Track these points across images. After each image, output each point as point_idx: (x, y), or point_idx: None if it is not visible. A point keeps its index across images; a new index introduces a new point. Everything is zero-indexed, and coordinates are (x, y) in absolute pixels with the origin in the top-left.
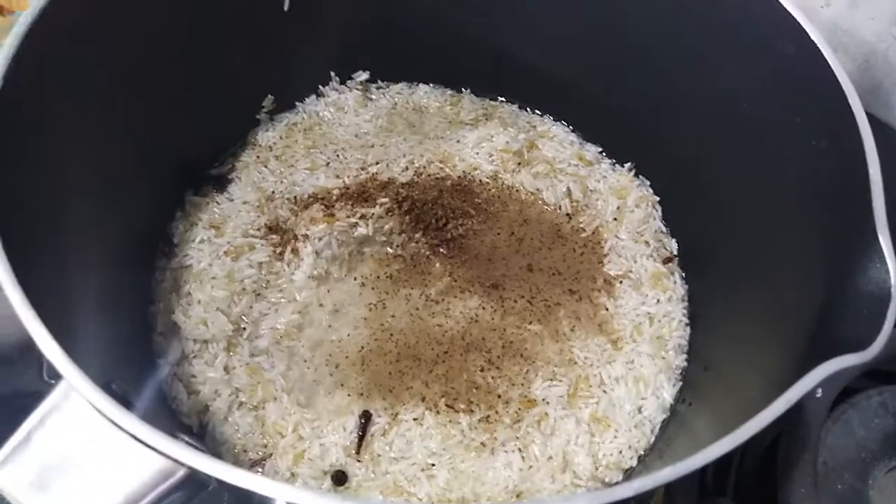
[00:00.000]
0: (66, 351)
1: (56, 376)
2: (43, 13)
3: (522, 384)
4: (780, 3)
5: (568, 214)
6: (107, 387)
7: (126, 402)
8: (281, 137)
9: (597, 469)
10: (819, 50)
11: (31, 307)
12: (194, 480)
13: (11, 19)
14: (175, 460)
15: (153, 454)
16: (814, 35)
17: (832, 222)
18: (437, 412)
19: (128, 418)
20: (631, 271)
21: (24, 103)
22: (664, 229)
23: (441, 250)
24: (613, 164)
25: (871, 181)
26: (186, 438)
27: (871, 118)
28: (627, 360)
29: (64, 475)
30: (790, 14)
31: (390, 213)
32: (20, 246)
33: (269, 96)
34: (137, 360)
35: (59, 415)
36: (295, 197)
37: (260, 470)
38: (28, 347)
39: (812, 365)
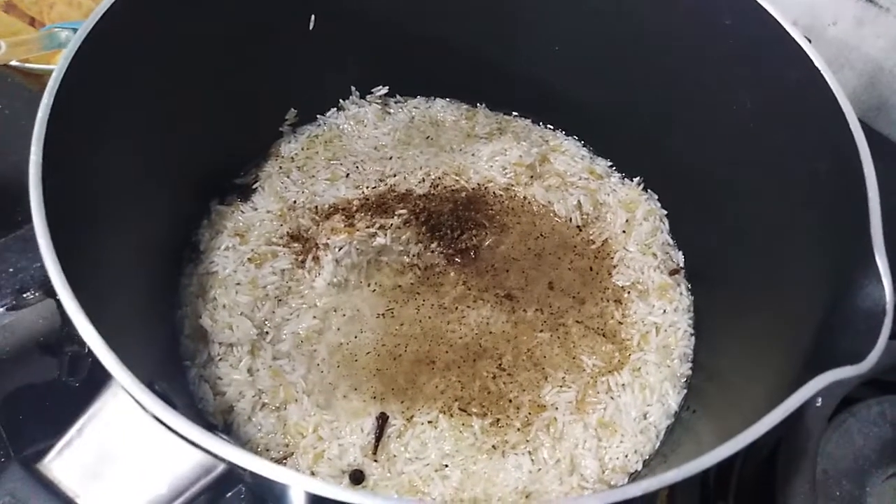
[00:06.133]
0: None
1: (77, 376)
2: (89, 35)
3: (533, 390)
4: (785, 30)
5: (578, 227)
6: (150, 387)
7: (168, 400)
8: (303, 149)
9: (603, 472)
10: (822, 75)
11: (85, 315)
12: (227, 479)
13: (44, 33)
14: (216, 455)
15: (194, 449)
16: (817, 61)
17: (833, 241)
18: (451, 415)
19: (173, 416)
20: (639, 282)
21: (71, 126)
22: (671, 242)
23: (456, 260)
24: (623, 178)
25: (869, 205)
26: (223, 436)
27: (877, 135)
28: (634, 368)
29: (113, 467)
30: (794, 40)
31: (407, 224)
32: (69, 257)
33: (293, 109)
34: (167, 362)
35: (108, 412)
36: (316, 207)
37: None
38: (46, 347)
39: (810, 376)
